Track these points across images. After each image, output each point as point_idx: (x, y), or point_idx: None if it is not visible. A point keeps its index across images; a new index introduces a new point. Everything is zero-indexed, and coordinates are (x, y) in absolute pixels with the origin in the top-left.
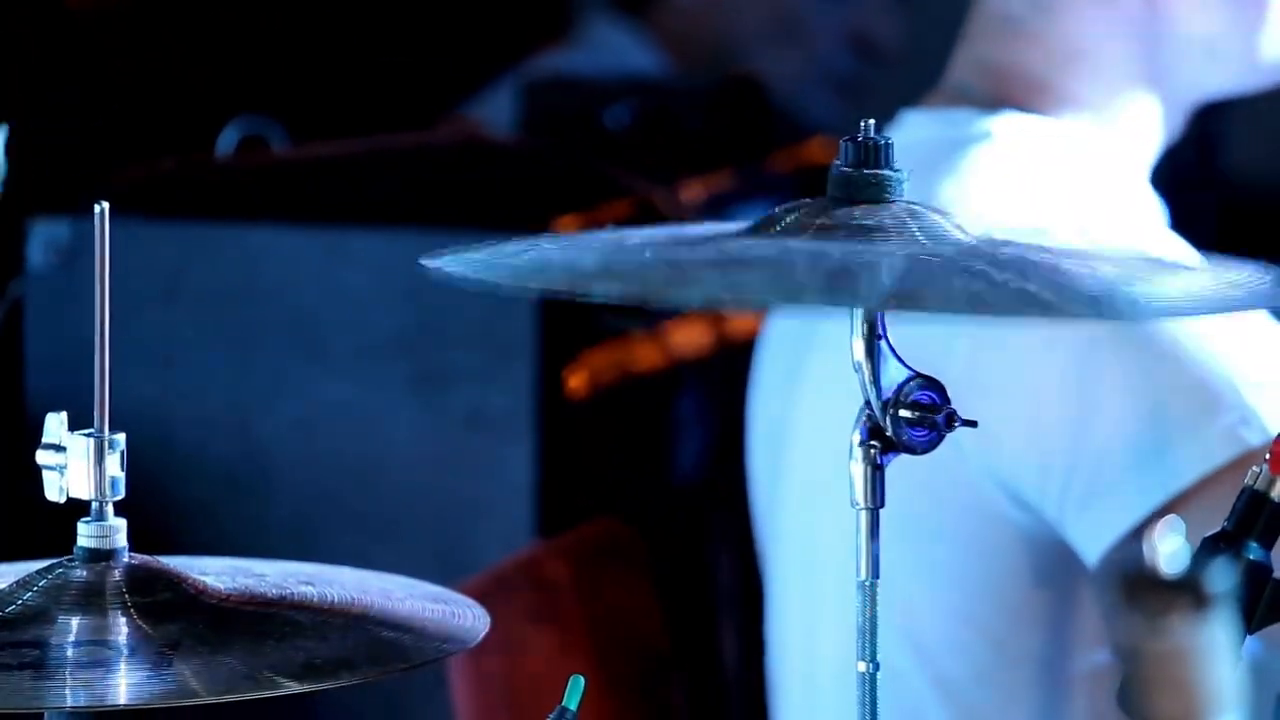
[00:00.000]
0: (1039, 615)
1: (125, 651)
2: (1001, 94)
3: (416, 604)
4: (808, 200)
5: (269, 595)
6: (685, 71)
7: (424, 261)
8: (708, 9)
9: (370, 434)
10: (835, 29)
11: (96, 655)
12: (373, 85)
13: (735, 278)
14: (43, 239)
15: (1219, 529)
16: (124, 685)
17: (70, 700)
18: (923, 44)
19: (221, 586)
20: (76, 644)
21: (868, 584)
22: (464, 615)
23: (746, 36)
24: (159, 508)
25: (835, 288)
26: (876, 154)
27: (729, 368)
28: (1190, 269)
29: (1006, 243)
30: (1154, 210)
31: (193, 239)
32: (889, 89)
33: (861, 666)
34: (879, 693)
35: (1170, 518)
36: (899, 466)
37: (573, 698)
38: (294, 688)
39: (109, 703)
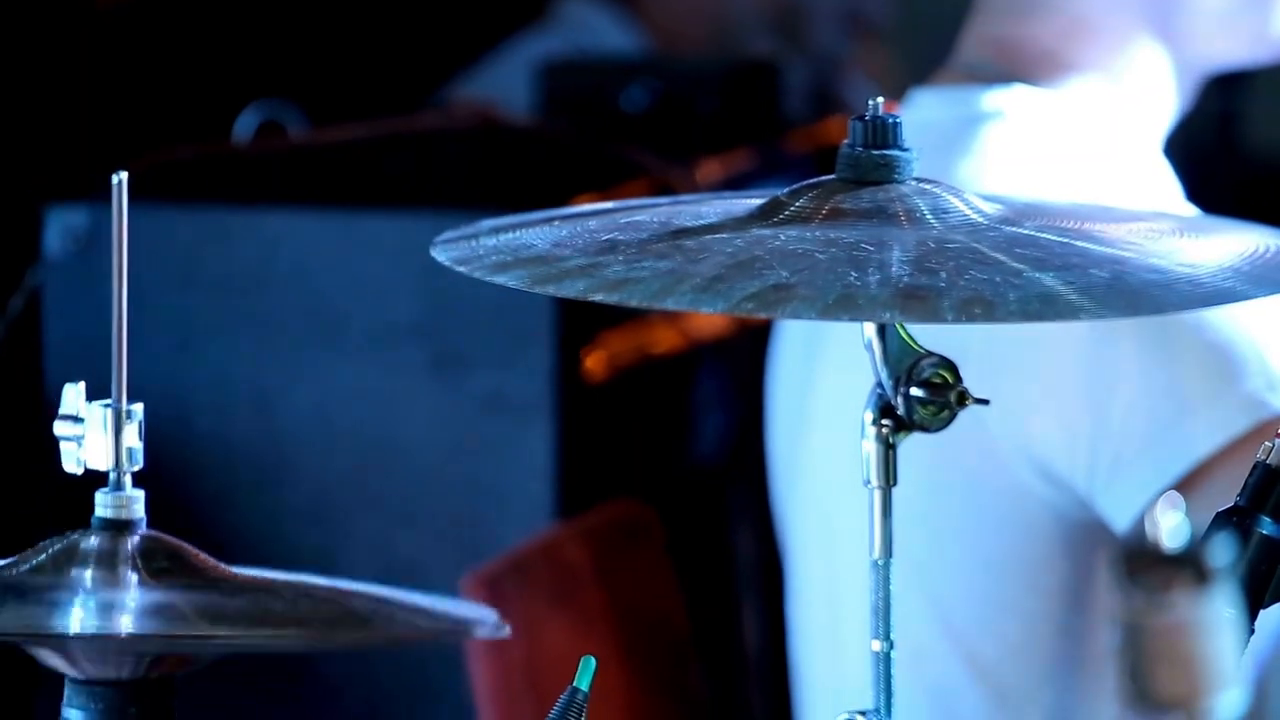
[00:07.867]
0: (1069, 592)
1: (143, 600)
2: (1011, 69)
3: (434, 599)
4: (816, 182)
5: (283, 578)
6: (674, 53)
7: (434, 254)
8: None
9: (388, 417)
10: (832, 11)
11: (114, 600)
12: (391, 68)
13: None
14: (60, 226)
15: (1231, 504)
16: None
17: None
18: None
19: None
20: (91, 591)
21: (881, 563)
22: (481, 613)
23: (738, 19)
24: (176, 493)
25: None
26: (885, 133)
27: (748, 347)
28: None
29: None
30: (1168, 178)
31: (210, 224)
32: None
33: (876, 645)
34: (910, 674)
35: (1170, 493)
36: (928, 448)
37: (584, 678)
38: (313, 640)
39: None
